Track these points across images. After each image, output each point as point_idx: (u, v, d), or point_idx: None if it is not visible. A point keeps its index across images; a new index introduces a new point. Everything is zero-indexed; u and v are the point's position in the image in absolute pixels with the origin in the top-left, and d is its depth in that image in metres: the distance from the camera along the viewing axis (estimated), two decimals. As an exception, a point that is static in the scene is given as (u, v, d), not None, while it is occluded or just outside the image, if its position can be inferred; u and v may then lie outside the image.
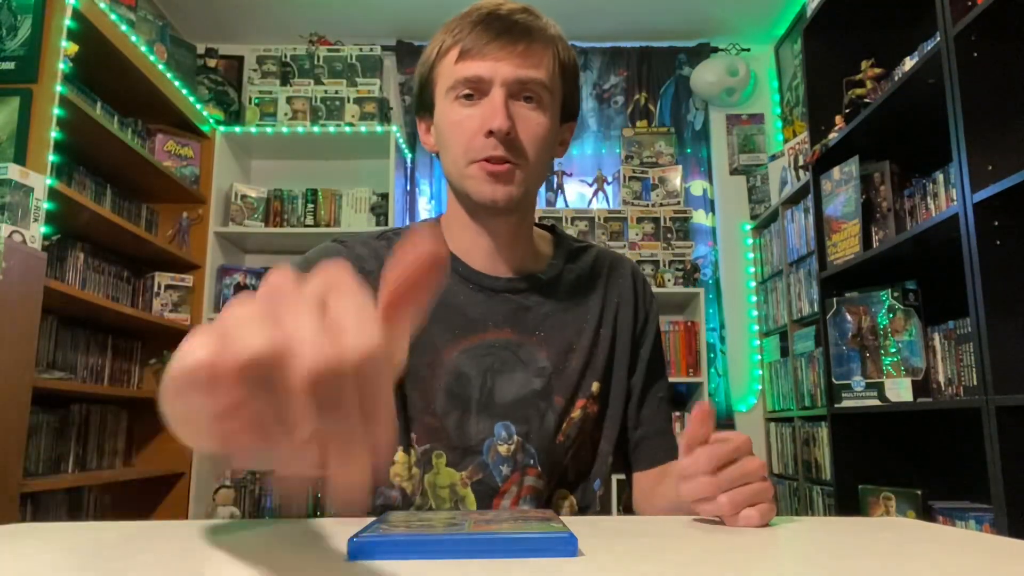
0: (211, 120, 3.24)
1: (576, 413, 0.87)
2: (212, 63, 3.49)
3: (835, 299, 2.23)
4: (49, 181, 2.10)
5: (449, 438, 0.84)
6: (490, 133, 0.80)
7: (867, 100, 2.17)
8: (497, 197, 0.82)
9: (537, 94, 0.83)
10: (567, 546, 0.48)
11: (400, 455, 0.85)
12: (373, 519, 0.58)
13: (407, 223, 3.53)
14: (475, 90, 0.82)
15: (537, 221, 0.99)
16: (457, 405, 0.85)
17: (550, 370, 0.87)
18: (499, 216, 0.86)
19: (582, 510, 0.88)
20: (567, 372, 0.88)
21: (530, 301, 0.90)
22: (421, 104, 0.90)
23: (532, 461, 0.84)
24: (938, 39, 1.75)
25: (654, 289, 3.30)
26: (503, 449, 0.84)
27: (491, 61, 0.81)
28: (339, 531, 0.58)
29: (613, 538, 0.57)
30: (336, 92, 3.41)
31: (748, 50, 3.76)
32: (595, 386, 0.89)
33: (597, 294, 0.94)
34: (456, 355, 0.86)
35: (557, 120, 0.87)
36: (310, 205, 3.33)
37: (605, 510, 0.92)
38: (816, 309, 2.59)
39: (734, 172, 3.71)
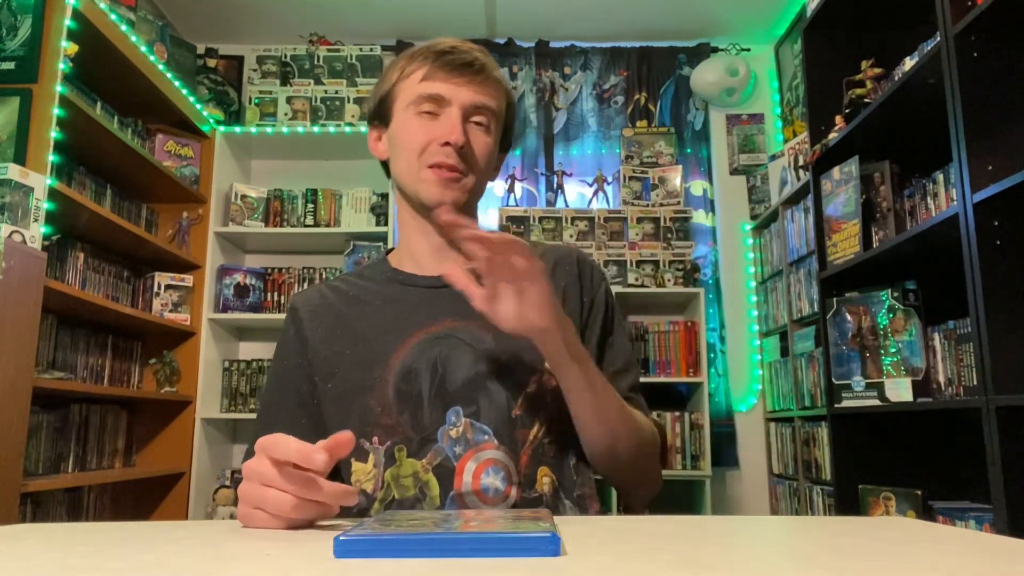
0: (211, 120, 3.24)
1: (531, 388, 0.91)
2: (212, 63, 3.49)
3: (835, 299, 2.23)
4: (49, 181, 2.10)
5: (406, 432, 0.89)
6: (446, 144, 0.91)
7: (867, 100, 2.17)
8: (445, 199, 0.92)
9: (487, 119, 0.95)
10: (549, 546, 0.48)
11: (356, 464, 0.91)
12: (363, 519, 0.59)
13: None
14: (435, 106, 0.93)
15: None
16: (409, 401, 0.90)
17: (497, 350, 0.92)
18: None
19: (562, 485, 0.91)
20: (515, 349, 0.92)
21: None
22: (376, 115, 1.01)
23: (487, 436, 0.89)
24: (938, 39, 1.75)
25: (653, 289, 3.31)
26: (453, 432, 0.89)
27: (452, 85, 0.93)
28: (326, 530, 0.58)
29: (603, 539, 0.57)
30: (336, 92, 3.41)
31: (748, 50, 3.76)
32: (546, 362, 0.92)
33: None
34: (404, 354, 0.92)
35: (498, 146, 0.99)
36: (310, 205, 3.33)
37: (584, 479, 0.93)
38: (816, 309, 2.59)
39: (734, 172, 3.71)
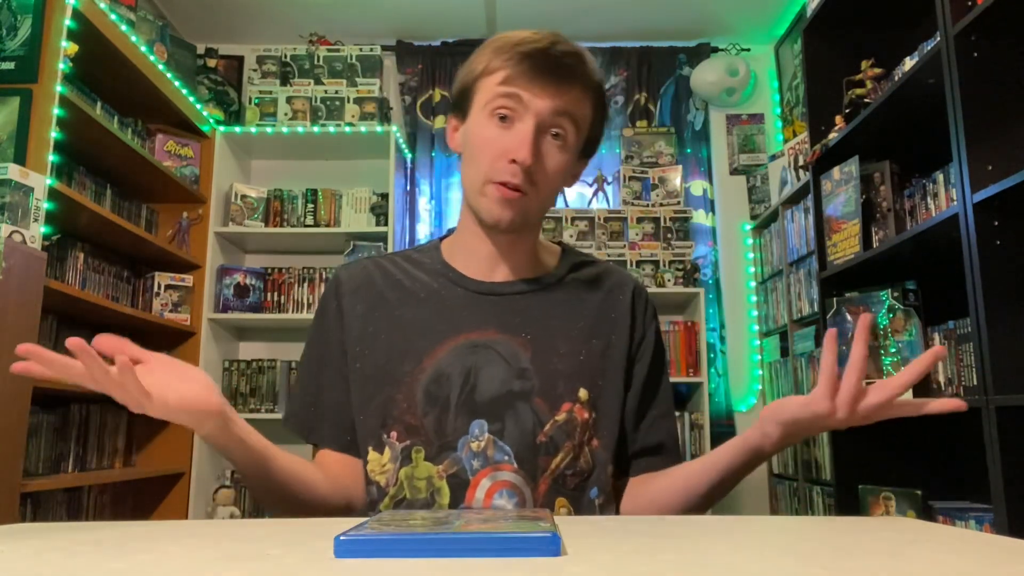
0: (211, 120, 3.24)
1: (561, 416, 0.89)
2: (212, 63, 3.49)
3: (835, 299, 2.23)
4: (49, 181, 2.10)
5: (427, 435, 0.88)
6: (513, 161, 0.86)
7: (867, 100, 2.17)
8: (503, 219, 0.88)
9: (565, 133, 0.89)
10: (550, 545, 0.48)
11: (372, 454, 0.91)
12: (364, 519, 0.59)
13: (406, 224, 3.53)
14: (510, 110, 0.87)
15: (555, 240, 1.06)
16: (436, 404, 0.89)
17: (532, 371, 0.90)
18: (501, 233, 0.93)
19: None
20: (550, 374, 0.90)
21: (519, 304, 0.94)
22: (457, 105, 0.96)
23: (507, 457, 0.87)
24: (938, 39, 1.75)
25: (653, 289, 3.31)
26: (475, 445, 0.87)
27: (532, 94, 0.86)
28: (327, 530, 0.58)
29: (603, 538, 0.57)
30: (336, 92, 3.41)
31: (748, 50, 3.76)
32: (582, 392, 0.91)
33: (594, 305, 0.97)
34: (439, 356, 0.90)
35: (576, 157, 0.94)
36: (310, 205, 3.33)
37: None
38: (816, 309, 2.59)
39: (734, 172, 3.71)
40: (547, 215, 3.32)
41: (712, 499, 0.90)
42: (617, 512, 0.96)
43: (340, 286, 0.98)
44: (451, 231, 1.03)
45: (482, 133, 0.89)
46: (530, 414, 0.89)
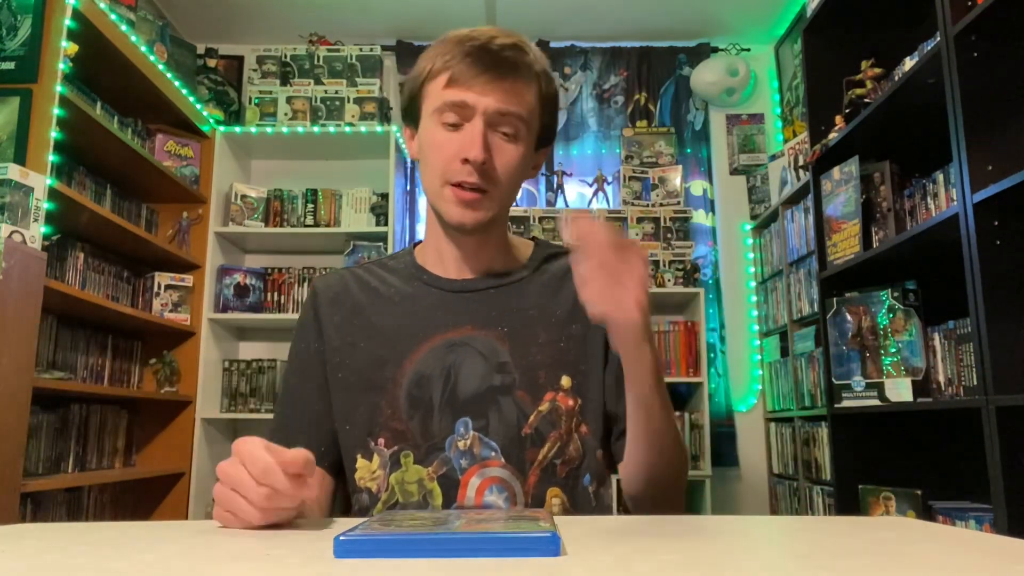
0: (211, 120, 3.24)
1: (544, 406, 0.89)
2: (212, 63, 3.49)
3: (835, 299, 2.23)
4: (49, 181, 2.10)
5: (414, 438, 0.89)
6: (466, 161, 0.86)
7: (867, 100, 2.17)
8: (465, 220, 0.89)
9: (515, 127, 0.89)
10: (550, 545, 0.48)
11: (361, 461, 0.90)
12: (363, 519, 0.60)
13: (406, 224, 3.53)
14: (458, 116, 0.87)
15: (532, 237, 1.06)
16: (420, 406, 0.89)
17: (512, 364, 0.90)
18: (467, 235, 0.93)
19: (575, 507, 0.89)
20: (530, 366, 0.90)
21: (494, 299, 0.95)
22: (408, 114, 0.96)
23: (494, 453, 0.87)
24: (938, 39, 1.75)
25: (653, 290, 3.30)
26: (461, 444, 0.88)
27: (476, 93, 0.86)
28: (327, 530, 0.58)
29: (603, 539, 0.57)
30: (336, 92, 3.41)
31: (748, 50, 3.76)
32: (565, 380, 0.91)
33: (570, 292, 0.96)
34: (419, 359, 0.91)
35: (532, 149, 0.93)
36: (310, 205, 3.33)
37: (602, 507, 0.92)
38: (816, 309, 2.59)
39: (734, 172, 3.71)
40: (547, 215, 3.36)
41: (655, 439, 0.84)
42: (618, 493, 0.95)
43: (317, 297, 0.99)
44: (408, 247, 1.04)
45: (434, 138, 0.89)
46: (513, 408, 0.89)
